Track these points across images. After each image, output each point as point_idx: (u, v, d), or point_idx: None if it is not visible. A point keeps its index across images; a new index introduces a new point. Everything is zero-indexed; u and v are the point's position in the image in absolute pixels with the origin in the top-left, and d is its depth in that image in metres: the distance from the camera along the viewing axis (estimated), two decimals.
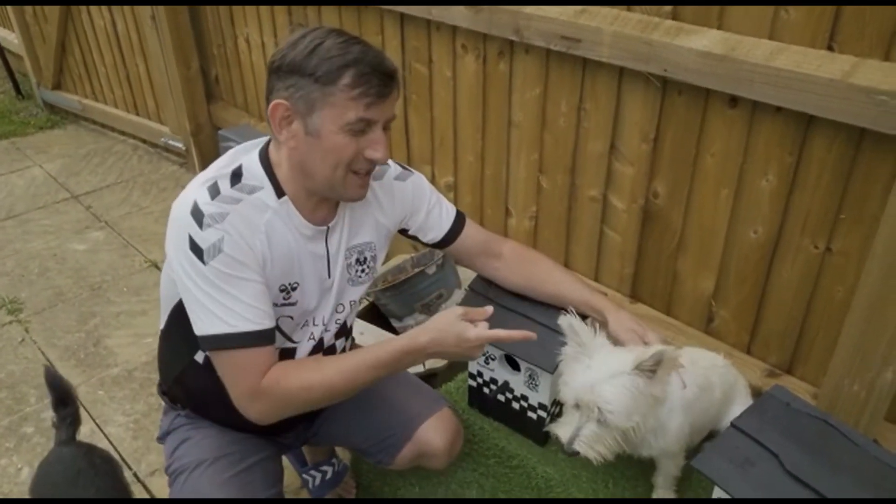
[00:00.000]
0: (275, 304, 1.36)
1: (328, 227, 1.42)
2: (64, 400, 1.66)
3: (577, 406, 1.32)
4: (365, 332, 2.26)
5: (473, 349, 1.34)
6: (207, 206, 1.27)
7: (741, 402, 1.57)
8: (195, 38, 3.58)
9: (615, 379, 1.28)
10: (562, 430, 1.34)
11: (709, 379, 1.47)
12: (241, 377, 1.29)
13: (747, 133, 1.69)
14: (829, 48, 1.49)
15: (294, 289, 1.39)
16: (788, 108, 1.56)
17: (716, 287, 1.90)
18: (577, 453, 1.31)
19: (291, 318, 1.42)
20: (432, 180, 2.60)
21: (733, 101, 1.68)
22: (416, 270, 2.25)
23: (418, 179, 1.59)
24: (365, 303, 2.40)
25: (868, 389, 1.50)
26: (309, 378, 1.31)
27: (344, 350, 1.63)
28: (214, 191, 1.29)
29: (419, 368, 2.11)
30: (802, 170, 1.63)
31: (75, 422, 1.65)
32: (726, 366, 1.57)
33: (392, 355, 1.33)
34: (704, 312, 1.95)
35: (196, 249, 1.25)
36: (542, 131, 2.15)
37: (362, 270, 1.53)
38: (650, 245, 2.01)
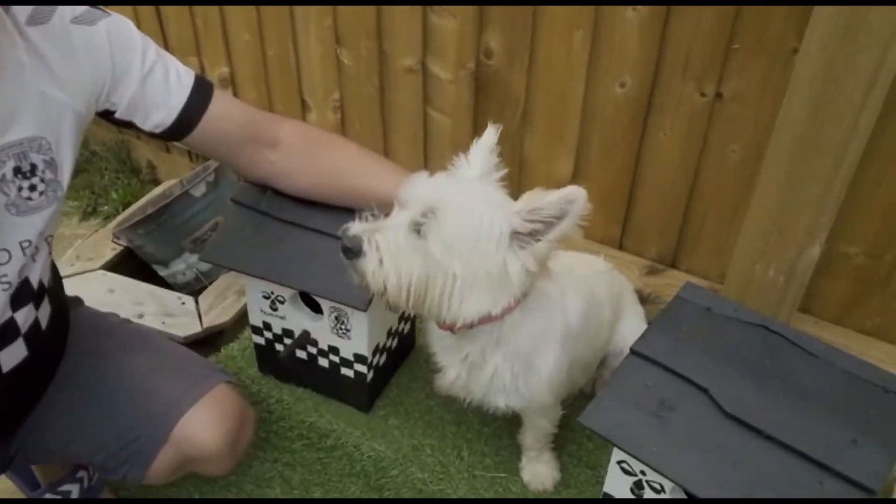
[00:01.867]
0: None
1: None
2: None
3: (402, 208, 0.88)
4: (116, 290, 1.62)
5: None
6: None
7: (632, 318, 1.14)
8: None
9: (483, 197, 0.86)
10: (356, 224, 0.88)
11: (593, 292, 1.02)
12: None
13: None
14: None
15: None
16: None
17: (575, 169, 1.46)
18: (357, 252, 0.85)
19: None
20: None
21: None
22: (179, 193, 1.62)
23: (119, 22, 1.00)
24: (117, 249, 1.74)
25: (788, 273, 1.11)
26: None
27: (35, 325, 1.02)
28: None
29: (195, 328, 1.51)
30: None
31: None
32: (610, 271, 1.15)
33: None
34: None
35: None
36: None
37: (31, 187, 0.93)
38: (487, 124, 1.51)
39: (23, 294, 0.98)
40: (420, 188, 0.86)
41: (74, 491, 1.42)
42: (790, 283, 1.12)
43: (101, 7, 0.98)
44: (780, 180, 1.05)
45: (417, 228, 0.83)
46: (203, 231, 1.63)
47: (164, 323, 1.52)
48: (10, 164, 0.90)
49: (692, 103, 1.25)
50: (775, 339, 0.85)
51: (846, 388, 0.78)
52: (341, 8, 1.59)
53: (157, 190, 1.88)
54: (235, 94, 1.94)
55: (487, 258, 0.83)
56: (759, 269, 1.13)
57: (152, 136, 1.06)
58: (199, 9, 1.88)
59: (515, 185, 1.54)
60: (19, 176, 0.92)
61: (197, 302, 1.57)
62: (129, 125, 1.03)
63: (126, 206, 2.08)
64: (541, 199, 0.84)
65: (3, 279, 0.94)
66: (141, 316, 1.55)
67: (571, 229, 0.83)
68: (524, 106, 1.45)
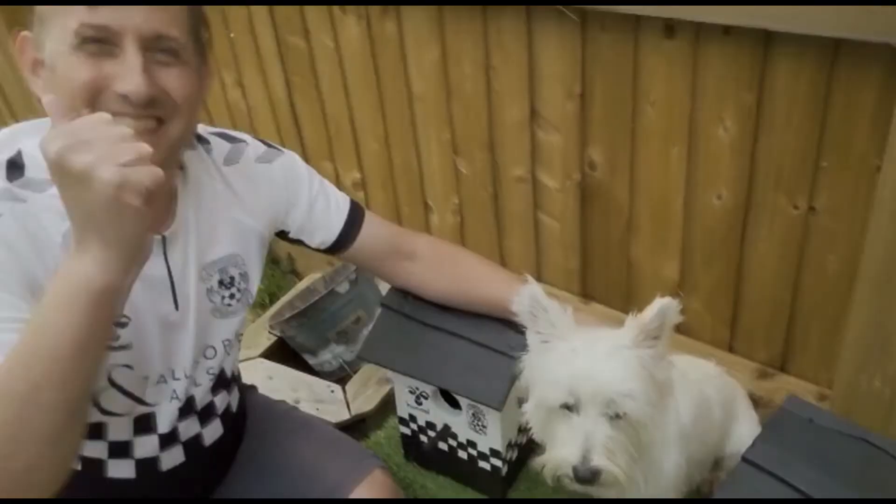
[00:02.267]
0: None
1: (164, 237, 1.03)
2: None
3: (570, 408, 0.98)
4: (274, 377, 1.87)
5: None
6: None
7: (745, 420, 1.25)
8: None
9: (620, 354, 0.96)
10: (564, 448, 0.97)
11: (704, 395, 1.15)
12: None
13: (692, 69, 1.33)
14: None
15: (123, 325, 1.00)
16: (740, 25, 1.21)
17: (681, 272, 1.56)
18: (598, 472, 0.95)
19: (130, 367, 1.03)
20: (336, 180, 2.22)
21: (669, 28, 1.33)
22: (325, 291, 1.87)
23: (290, 160, 1.22)
24: (272, 339, 2.01)
25: (893, 385, 1.17)
26: None
27: (230, 408, 1.25)
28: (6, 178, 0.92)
29: (344, 414, 1.73)
30: (766, 108, 1.28)
31: None
32: (721, 375, 1.26)
33: (54, 289, 0.77)
34: None
35: None
36: (448, 102, 1.77)
37: (231, 296, 1.15)
38: (595, 229, 1.66)
39: (220, 381, 1.19)
40: (586, 386, 0.95)
41: None
42: None
43: (276, 146, 1.21)
44: (876, 294, 1.13)
45: (614, 416, 0.96)
46: (346, 324, 1.87)
47: (317, 409, 1.75)
48: (216, 278, 1.11)
49: (787, 215, 1.34)
50: (877, 453, 0.94)
51: None
52: (457, 120, 1.78)
53: (302, 284, 2.14)
54: (366, 198, 2.17)
55: (654, 389, 0.98)
56: (863, 378, 1.19)
57: (317, 251, 1.27)
58: (331, 118, 2.11)
59: (624, 287, 1.70)
60: (222, 287, 1.12)
61: (345, 390, 1.79)
62: (299, 242, 1.25)
63: (271, 295, 2.35)
64: (642, 322, 0.97)
65: (210, 371, 1.15)
66: (297, 402, 1.77)
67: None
68: (629, 213, 1.57)
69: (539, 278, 1.83)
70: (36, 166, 0.93)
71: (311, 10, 1.93)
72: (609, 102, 1.49)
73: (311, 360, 1.93)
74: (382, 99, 1.93)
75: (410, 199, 2.04)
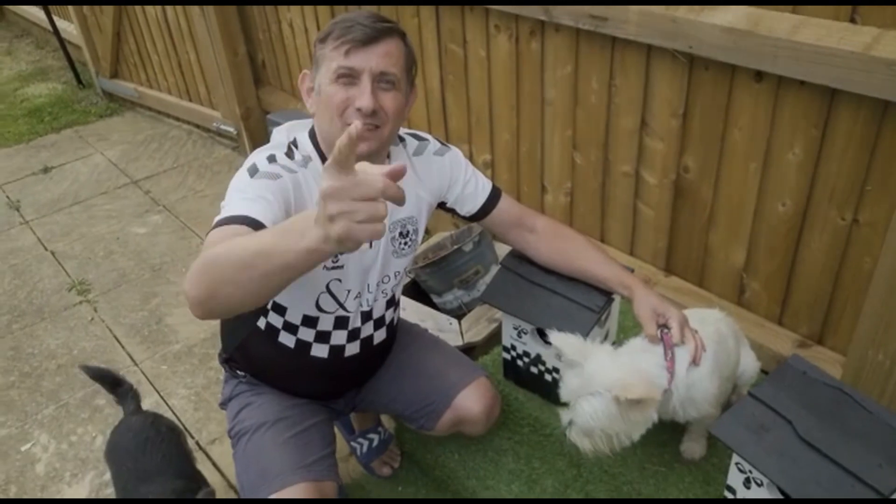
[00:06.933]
0: (325, 268, 1.46)
1: None
2: (113, 382, 1.80)
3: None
4: (407, 308, 2.36)
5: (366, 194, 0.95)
6: (282, 158, 1.39)
7: (747, 356, 1.61)
8: (241, 24, 3.68)
9: (594, 398, 1.33)
10: (563, 414, 1.43)
11: (720, 332, 1.51)
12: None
13: (773, 107, 1.70)
14: (852, 20, 1.49)
15: (342, 252, 1.49)
16: (812, 81, 1.57)
17: (746, 259, 1.92)
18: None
19: (340, 281, 1.51)
20: (470, 158, 2.65)
21: (758, 75, 1.70)
22: (455, 248, 2.33)
23: (455, 154, 1.66)
24: (406, 279, 2.50)
25: (892, 359, 1.52)
26: (224, 245, 1.09)
27: (393, 321, 1.73)
28: (286, 155, 1.41)
29: (458, 342, 2.20)
30: (828, 142, 1.64)
31: (135, 395, 1.79)
32: (727, 316, 1.59)
33: (283, 225, 1.06)
34: (736, 284, 1.98)
35: (252, 169, 1.32)
36: (574, 108, 2.19)
37: (405, 243, 1.61)
38: (682, 219, 2.04)
39: (391, 301, 1.66)
40: (565, 395, 1.40)
41: (375, 439, 2.10)
42: (895, 368, 1.52)
43: (447, 144, 1.65)
44: (885, 289, 1.48)
45: None
46: (468, 274, 2.33)
47: (438, 335, 2.22)
48: (398, 230, 1.58)
49: (835, 225, 1.69)
50: (844, 397, 1.30)
51: (885, 434, 1.21)
52: (580, 123, 2.19)
53: (433, 240, 2.62)
54: (493, 175, 2.61)
55: (618, 426, 1.38)
56: (870, 353, 1.54)
57: (464, 217, 1.71)
58: (474, 109, 2.56)
59: (700, 266, 2.07)
60: (401, 237, 1.59)
61: (460, 324, 2.25)
62: (452, 211, 1.69)
63: None
64: None
65: (385, 291, 1.62)
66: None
67: None
68: (710, 209, 1.95)
69: (631, 252, 2.24)
70: (303, 149, 1.45)
71: (471, 26, 2.40)
72: (705, 123, 1.87)
73: (436, 300, 2.40)
74: (519, 100, 2.37)
75: (530, 180, 2.48)
